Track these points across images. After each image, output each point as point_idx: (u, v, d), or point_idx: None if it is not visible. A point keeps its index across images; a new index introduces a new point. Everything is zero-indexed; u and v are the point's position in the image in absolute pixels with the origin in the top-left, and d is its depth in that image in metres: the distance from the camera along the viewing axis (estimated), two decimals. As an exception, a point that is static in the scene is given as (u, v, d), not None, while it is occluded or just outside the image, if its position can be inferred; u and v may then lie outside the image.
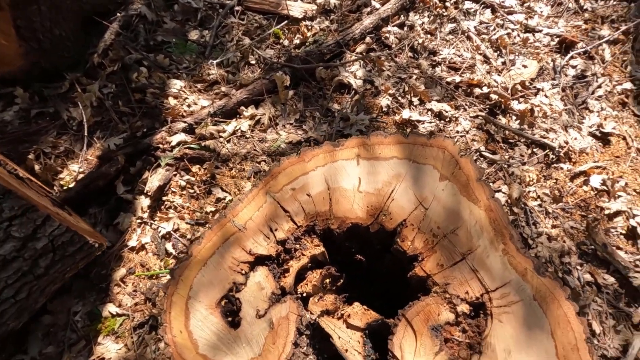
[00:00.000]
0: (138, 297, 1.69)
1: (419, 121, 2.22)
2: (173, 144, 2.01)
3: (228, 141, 2.09)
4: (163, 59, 2.36)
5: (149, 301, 1.66)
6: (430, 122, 2.22)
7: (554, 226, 1.91)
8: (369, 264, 1.36)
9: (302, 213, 1.33)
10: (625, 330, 1.67)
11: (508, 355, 1.02)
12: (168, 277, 1.64)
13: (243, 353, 1.13)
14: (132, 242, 1.81)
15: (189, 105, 2.19)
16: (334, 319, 1.18)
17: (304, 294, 1.24)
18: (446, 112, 2.23)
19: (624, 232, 1.92)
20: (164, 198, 1.91)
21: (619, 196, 1.98)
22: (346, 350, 1.13)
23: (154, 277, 1.75)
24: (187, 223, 1.85)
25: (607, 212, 1.95)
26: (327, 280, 1.29)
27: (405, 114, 2.22)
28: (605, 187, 2.01)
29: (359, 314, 1.16)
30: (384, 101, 2.27)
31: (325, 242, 1.31)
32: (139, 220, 1.86)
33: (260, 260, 1.27)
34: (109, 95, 2.23)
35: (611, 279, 1.78)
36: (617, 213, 1.94)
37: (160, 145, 2.01)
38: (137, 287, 1.71)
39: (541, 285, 1.09)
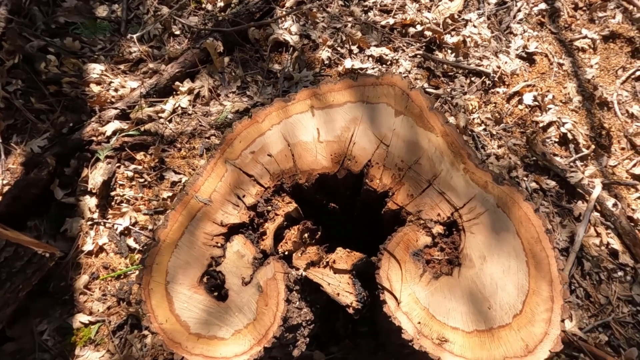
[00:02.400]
0: (109, 300, 1.58)
1: (361, 69, 2.21)
2: (108, 134, 1.83)
3: (169, 121, 1.94)
4: (72, 43, 2.08)
5: (122, 302, 1.57)
6: (373, 68, 2.22)
7: (499, 146, 2.06)
8: (342, 212, 1.38)
9: (266, 174, 1.29)
10: (570, 223, 1.89)
11: (483, 261, 1.11)
12: (137, 273, 1.55)
13: (237, 321, 1.11)
14: (88, 247, 1.66)
15: (116, 90, 1.98)
16: (320, 269, 1.19)
17: (286, 253, 1.24)
18: (386, 55, 2.25)
19: (557, 140, 2.12)
20: (113, 193, 1.76)
21: (549, 109, 2.17)
22: (338, 294, 1.16)
23: (121, 277, 1.64)
24: (145, 214, 1.73)
25: (541, 124, 2.13)
26: (306, 235, 1.29)
27: (348, 63, 2.20)
28: (537, 103, 2.18)
29: (344, 257, 1.18)
30: (324, 54, 2.22)
31: (295, 198, 1.30)
32: (89, 222, 1.70)
33: (234, 230, 1.23)
34: (16, 92, 1.94)
35: (552, 183, 1.98)
36: (550, 124, 2.13)
37: (94, 138, 1.82)
38: (106, 290, 1.60)
39: (501, 193, 1.17)
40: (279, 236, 1.27)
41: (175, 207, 1.25)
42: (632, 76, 2.36)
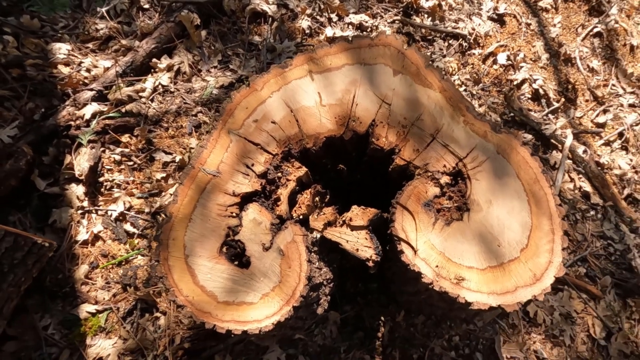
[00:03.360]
0: (114, 287, 1.54)
1: (343, 37, 2.20)
2: (87, 117, 1.72)
3: (152, 100, 1.85)
4: (30, 21, 1.90)
5: (128, 287, 1.52)
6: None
7: (480, 105, 2.16)
8: (350, 173, 1.41)
9: (273, 142, 1.28)
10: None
11: (490, 204, 1.19)
12: (140, 258, 1.52)
13: (263, 286, 1.12)
14: (82, 236, 1.59)
15: (88, 70, 1.85)
16: (337, 228, 1.23)
17: (301, 217, 1.25)
18: (366, 22, 2.25)
19: (530, 96, 2.25)
20: (101, 179, 1.67)
21: (521, 67, 2.29)
22: (357, 250, 1.20)
23: (123, 263, 1.59)
24: (139, 197, 1.67)
25: (515, 82, 2.25)
26: (317, 198, 1.32)
27: (329, 32, 2.18)
28: (510, 62, 2.29)
29: (359, 214, 1.22)
30: (304, 23, 2.18)
31: (304, 163, 1.31)
32: (80, 211, 1.62)
33: (247, 199, 1.23)
34: (-27, 80, 1.76)
35: (529, 136, 2.12)
36: (523, 81, 2.26)
37: (72, 123, 1.70)
38: (108, 278, 1.55)
39: (500, 141, 1.25)
40: (291, 201, 1.28)
41: (183, 181, 1.22)
42: (590, 33, 2.53)
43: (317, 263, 1.20)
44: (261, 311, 1.09)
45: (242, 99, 1.32)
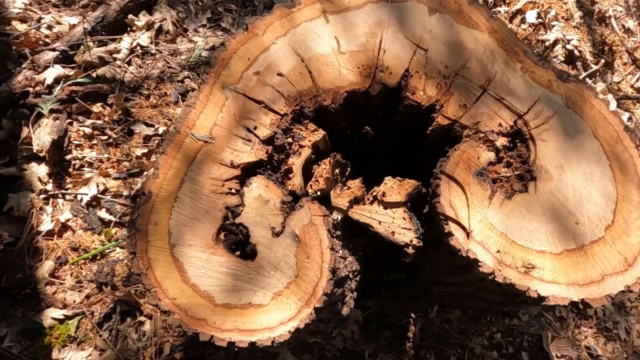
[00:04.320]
0: (87, 287, 1.26)
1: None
2: (48, 82, 1.42)
3: (128, 63, 1.55)
4: (-24, -31, 1.57)
5: (104, 286, 1.25)
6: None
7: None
8: (375, 139, 1.14)
9: (280, 99, 1.00)
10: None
11: (561, 170, 0.94)
12: (118, 251, 1.25)
13: (275, 282, 0.86)
14: (46, 226, 1.30)
15: (49, 27, 1.54)
16: (366, 206, 0.96)
17: (319, 193, 0.99)
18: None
19: (563, 58, 1.99)
20: (68, 157, 1.38)
21: (553, 26, 2.02)
22: (392, 233, 0.94)
23: (98, 257, 1.31)
24: (115, 178, 1.38)
25: (547, 43, 1.99)
26: (337, 171, 1.05)
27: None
28: (540, 20, 2.02)
29: (394, 188, 0.95)
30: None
31: (319, 125, 1.03)
32: (42, 196, 1.33)
33: (250, 171, 0.96)
34: None
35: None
36: (555, 42, 1.99)
37: (30, 89, 1.40)
38: (80, 276, 1.27)
39: (569, 92, 0.99)
40: (305, 175, 1.01)
41: (165, 150, 0.94)
42: (624, -10, 2.26)
43: (340, 251, 0.94)
44: (273, 315, 0.83)
45: (239, 46, 1.03)
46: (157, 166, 0.92)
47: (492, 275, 0.88)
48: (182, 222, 0.89)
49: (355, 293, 1.02)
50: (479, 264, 0.88)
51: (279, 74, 1.02)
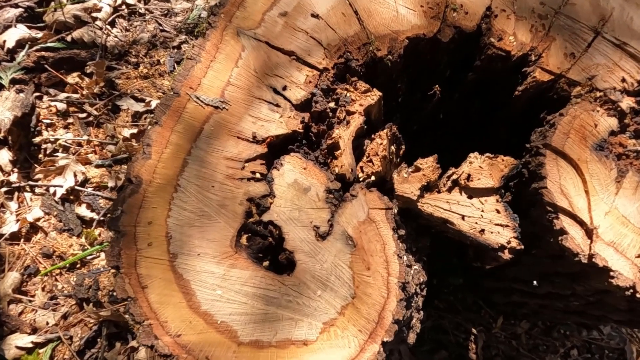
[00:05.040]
0: (64, 304, 0.99)
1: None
2: (9, 45, 1.13)
3: (111, 25, 1.26)
4: None
5: (86, 303, 0.98)
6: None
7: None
8: (440, 103, 0.86)
9: (317, 48, 0.73)
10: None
11: None
12: (103, 257, 0.97)
13: (324, 306, 0.59)
14: (9, 227, 1.03)
15: (11, -20, 1.24)
16: (442, 194, 0.69)
17: (373, 178, 0.72)
18: None
19: None
20: (37, 140, 1.10)
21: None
22: (482, 232, 0.67)
23: (77, 266, 1.04)
24: (98, 166, 1.10)
25: None
26: (392, 148, 0.78)
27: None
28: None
29: (485, 168, 0.68)
30: None
31: (370, 84, 0.76)
32: (4, 189, 1.05)
33: (279, 148, 0.69)
34: None
35: None
36: None
37: (-14, 55, 1.11)
38: (54, 290, 1.00)
39: None
40: (354, 152, 0.74)
41: (159, 120, 0.67)
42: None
43: (405, 257, 0.68)
44: (325, 357, 0.56)
45: (257, -22, 0.75)
46: (148, 142, 0.65)
47: (632, 290, 0.62)
48: (186, 221, 0.62)
49: (422, 313, 0.76)
50: (611, 273, 0.62)
51: (314, 15, 0.74)
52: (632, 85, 0.71)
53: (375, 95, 0.72)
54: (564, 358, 1.11)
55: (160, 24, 1.31)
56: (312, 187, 0.66)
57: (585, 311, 0.82)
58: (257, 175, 0.66)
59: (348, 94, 0.72)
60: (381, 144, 0.73)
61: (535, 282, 0.84)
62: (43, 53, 1.15)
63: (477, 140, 0.94)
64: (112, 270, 1.00)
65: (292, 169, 0.66)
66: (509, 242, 0.67)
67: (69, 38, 1.21)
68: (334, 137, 0.69)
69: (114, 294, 0.60)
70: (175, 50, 1.29)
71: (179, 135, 0.66)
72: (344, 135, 0.69)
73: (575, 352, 1.13)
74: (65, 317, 0.98)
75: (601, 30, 0.74)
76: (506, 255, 0.67)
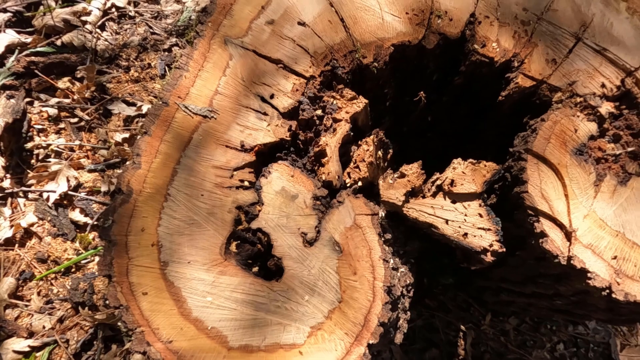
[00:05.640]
0: (59, 308, 1.00)
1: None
2: (-1, 51, 1.13)
3: (101, 28, 1.26)
4: None
5: (82, 307, 0.99)
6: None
7: None
8: (426, 109, 0.88)
9: (304, 56, 0.74)
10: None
11: (693, 145, 0.69)
12: (100, 259, 0.97)
13: (312, 310, 0.61)
14: (4, 233, 1.04)
15: (-2, -16, 1.23)
16: (426, 200, 0.71)
17: (360, 184, 0.73)
18: None
19: None
20: (29, 145, 1.11)
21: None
22: (465, 236, 0.69)
23: (72, 270, 1.05)
24: (90, 170, 1.11)
25: None
26: (380, 153, 0.79)
27: None
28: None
29: (467, 174, 0.70)
30: None
31: (356, 91, 0.77)
32: (-2, 195, 1.06)
33: (267, 156, 0.70)
34: None
35: None
36: None
37: (-24, 61, 1.11)
38: (50, 294, 1.01)
39: (694, 38, 0.74)
40: (340, 159, 0.75)
41: (149, 130, 0.68)
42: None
43: (391, 261, 0.70)
44: (313, 359, 0.58)
45: (244, -14, 0.76)
46: (137, 152, 0.66)
47: (608, 291, 0.64)
48: (176, 229, 0.63)
49: (409, 313, 0.78)
50: (588, 275, 0.64)
51: (301, 23, 0.75)
52: (611, 91, 0.73)
53: (361, 102, 0.73)
54: (551, 352, 1.14)
55: (150, 27, 1.31)
56: (299, 194, 0.67)
57: (570, 310, 0.85)
58: (246, 183, 0.67)
59: (334, 102, 0.73)
60: (368, 150, 0.74)
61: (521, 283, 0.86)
62: (33, 58, 1.15)
63: (467, 142, 0.95)
64: (105, 279, 1.01)
65: (280, 177, 0.68)
66: (491, 245, 0.69)
67: (58, 42, 1.21)
68: (320, 144, 0.70)
69: (112, 302, 0.61)
70: (166, 53, 1.29)
71: (168, 144, 0.68)
72: (330, 142, 0.71)
73: (562, 346, 1.16)
74: (61, 320, 0.99)
75: (582, 36, 0.75)
76: (489, 258, 0.70)
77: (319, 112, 0.73)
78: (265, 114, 0.71)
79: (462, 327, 1.09)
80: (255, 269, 0.66)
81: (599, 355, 1.18)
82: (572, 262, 0.65)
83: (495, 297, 1.04)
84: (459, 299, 1.13)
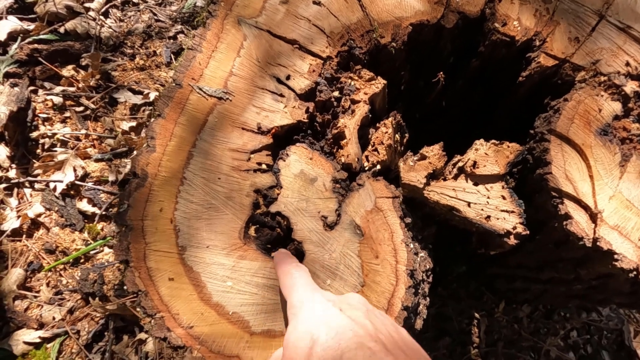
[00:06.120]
0: (69, 299, 0.99)
1: None
2: (1, 38, 1.10)
3: (105, 15, 1.23)
4: None
5: (92, 297, 0.98)
6: None
7: None
8: (441, 93, 0.86)
9: (320, 36, 0.72)
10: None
11: None
12: (107, 251, 0.97)
13: (334, 294, 0.60)
14: (11, 224, 1.02)
15: (-1, -30, 1.20)
16: (448, 182, 0.69)
17: (379, 166, 0.71)
18: None
19: None
20: (34, 135, 1.08)
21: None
22: (488, 218, 0.68)
23: (81, 260, 1.03)
24: (97, 160, 1.09)
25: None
26: (397, 136, 0.77)
27: None
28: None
29: (490, 155, 0.68)
30: None
31: (374, 72, 0.75)
32: (3, 185, 1.04)
33: (285, 138, 0.68)
34: None
35: None
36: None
37: (-22, 48, 1.08)
38: (59, 285, 1.00)
39: None
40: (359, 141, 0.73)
41: (162, 112, 0.66)
42: None
43: (412, 245, 0.68)
44: (336, 344, 0.57)
45: (256, -36, 0.74)
46: (152, 135, 0.64)
47: (635, 272, 0.63)
48: (193, 213, 0.61)
49: (429, 299, 0.77)
50: (615, 256, 0.63)
51: (316, 2, 0.73)
52: (635, 69, 0.71)
53: (379, 83, 0.71)
54: (564, 340, 1.14)
55: (155, 14, 1.28)
56: (318, 177, 0.66)
57: (588, 295, 0.84)
58: (263, 166, 0.65)
59: (352, 83, 0.71)
60: (386, 132, 0.73)
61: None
62: (36, 45, 1.13)
63: (479, 128, 0.94)
64: (117, 265, 1.00)
65: (298, 160, 0.66)
66: (514, 228, 0.68)
67: (61, 30, 1.18)
68: (339, 126, 0.68)
69: (125, 287, 0.60)
70: (172, 40, 1.26)
71: (182, 127, 0.66)
72: (349, 124, 0.69)
73: (575, 333, 1.15)
74: (71, 311, 0.98)
75: (605, 13, 0.73)
76: (512, 241, 0.68)
77: (336, 93, 0.71)
78: (281, 95, 0.69)
79: (476, 315, 1.08)
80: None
81: (612, 342, 1.18)
82: (598, 244, 0.64)
83: (509, 284, 1.03)
84: (471, 287, 1.12)
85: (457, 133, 0.98)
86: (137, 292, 0.56)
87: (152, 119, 0.66)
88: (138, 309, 0.65)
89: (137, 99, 1.15)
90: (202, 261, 0.59)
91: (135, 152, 1.11)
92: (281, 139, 0.68)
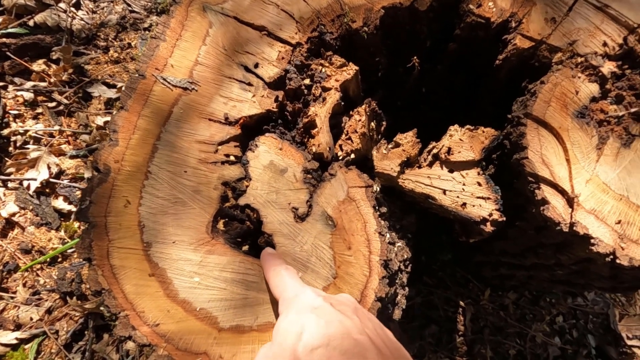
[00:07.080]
0: (47, 299, 0.97)
1: None
2: (-33, 33, 1.06)
3: (76, 7, 1.19)
4: None
5: (70, 297, 0.96)
6: None
7: None
8: (420, 77, 0.84)
9: (289, 22, 0.69)
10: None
11: (699, 103, 0.66)
12: (79, 242, 0.94)
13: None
14: (-15, 224, 0.99)
15: (-37, -39, 1.15)
16: (422, 170, 0.68)
17: (353, 155, 0.70)
18: None
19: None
20: (5, 132, 1.05)
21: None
22: (463, 205, 0.66)
23: (58, 260, 1.01)
24: (72, 157, 1.07)
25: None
26: (372, 125, 0.75)
27: None
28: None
29: (465, 141, 0.67)
30: None
31: (346, 58, 0.73)
32: (-25, 185, 1.01)
33: (253, 129, 0.66)
34: None
35: None
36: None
37: (-57, 44, 1.04)
38: (36, 285, 0.98)
39: (699, -8, 0.70)
40: (331, 130, 0.71)
41: (125, 104, 0.63)
42: None
43: (387, 235, 0.67)
44: (308, 338, 0.56)
45: (221, -52, 0.71)
46: (114, 128, 0.62)
47: (612, 256, 0.62)
48: (159, 208, 0.59)
49: (407, 289, 0.76)
50: (592, 241, 0.62)
51: (285, -13, 0.70)
52: (613, 49, 0.70)
53: (351, 69, 0.69)
54: (550, 325, 1.14)
55: (128, 4, 1.24)
56: (289, 167, 0.64)
57: (570, 280, 0.83)
58: (232, 158, 0.63)
59: (323, 70, 0.69)
60: (360, 120, 0.71)
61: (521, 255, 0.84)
62: (4, 40, 1.09)
63: (462, 114, 0.92)
64: (85, 263, 0.98)
65: (268, 150, 0.64)
66: (490, 215, 0.66)
67: (31, 22, 1.14)
68: (309, 115, 0.66)
69: (93, 287, 0.58)
70: (146, 32, 1.23)
71: (146, 119, 0.63)
72: (320, 112, 0.67)
73: (561, 318, 1.15)
74: (49, 311, 0.96)
75: (582, -8, 0.71)
76: (488, 228, 0.67)
77: (307, 81, 0.69)
78: (249, 84, 0.67)
79: (461, 303, 1.08)
80: (245, 248, 0.63)
81: (598, 326, 1.18)
82: (574, 228, 0.63)
83: (494, 271, 1.02)
84: (457, 275, 1.11)
85: (441, 120, 0.96)
86: (101, 290, 0.55)
87: (115, 112, 0.64)
88: (102, 308, 0.63)
89: (112, 93, 1.12)
90: (168, 257, 0.58)
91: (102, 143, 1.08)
92: (251, 130, 0.66)
